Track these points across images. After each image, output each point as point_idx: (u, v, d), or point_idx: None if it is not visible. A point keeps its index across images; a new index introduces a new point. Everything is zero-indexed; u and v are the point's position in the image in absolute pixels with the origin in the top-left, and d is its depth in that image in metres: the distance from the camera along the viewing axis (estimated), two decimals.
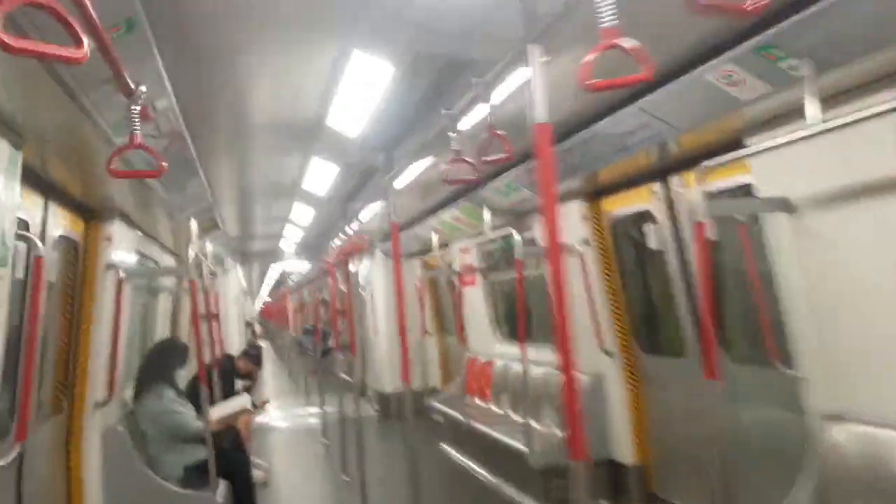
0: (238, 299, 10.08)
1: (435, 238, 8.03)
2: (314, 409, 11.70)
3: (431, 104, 4.49)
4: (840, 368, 2.90)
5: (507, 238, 6.72)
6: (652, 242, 4.57)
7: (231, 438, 5.26)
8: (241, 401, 5.95)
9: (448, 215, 6.86)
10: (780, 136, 2.73)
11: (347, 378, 14.19)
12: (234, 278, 10.19)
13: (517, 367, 6.91)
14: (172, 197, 4.98)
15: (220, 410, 5.28)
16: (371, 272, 11.18)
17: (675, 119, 3.24)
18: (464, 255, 7.83)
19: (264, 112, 4.76)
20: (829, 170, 2.73)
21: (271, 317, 28.76)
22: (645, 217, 4.68)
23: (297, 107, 4.49)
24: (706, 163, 2.96)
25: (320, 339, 20.57)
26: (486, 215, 6.14)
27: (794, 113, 2.84)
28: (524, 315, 5.19)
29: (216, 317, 10.36)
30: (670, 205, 4.29)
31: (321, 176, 6.79)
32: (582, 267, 5.12)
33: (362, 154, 5.26)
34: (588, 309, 5.14)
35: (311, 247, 9.96)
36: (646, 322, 5.05)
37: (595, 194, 5.10)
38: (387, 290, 10.66)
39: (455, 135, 3.26)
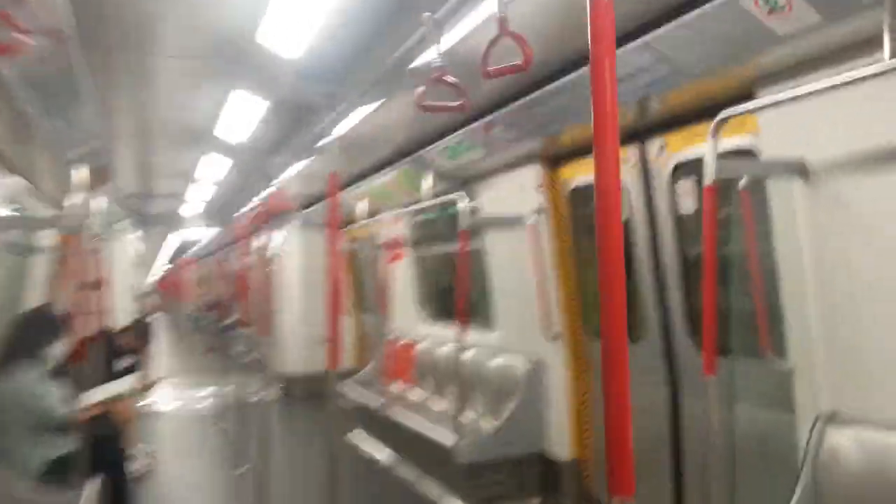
0: (131, 267, 9.00)
1: (361, 207, 7.35)
2: (211, 391, 10.75)
3: (384, 36, 3.87)
4: (854, 364, 2.49)
5: (446, 208, 6.16)
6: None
7: (107, 426, 4.45)
8: (122, 383, 5.13)
9: (381, 180, 6.21)
10: (811, 83, 2.26)
11: (254, 357, 13.30)
12: (129, 243, 9.11)
13: (443, 350, 6.37)
14: (55, 128, 4.11)
15: (95, 394, 4.44)
16: (286, 242, 10.34)
17: (687, 60, 2.74)
18: (394, 226, 7.20)
19: (179, 22, 3.97)
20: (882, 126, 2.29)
21: (167, 289, 27.01)
22: None
23: (221, 16, 3.74)
24: (726, 112, 2.48)
25: (223, 313, 19.40)
26: (427, 180, 5.54)
27: (833, 55, 2.40)
28: (465, 292, 4.64)
29: (101, 285, 9.22)
30: (643, 172, 3.84)
31: (243, 115, 5.93)
32: (533, 241, 4.62)
33: (298, 86, 4.55)
34: (536, 288, 4.65)
35: (223, 209, 9.07)
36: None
37: (554, 160, 4.60)
38: (301, 264, 9.87)
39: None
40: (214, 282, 25.40)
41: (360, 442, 6.90)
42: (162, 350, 17.93)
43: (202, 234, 14.55)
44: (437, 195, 5.53)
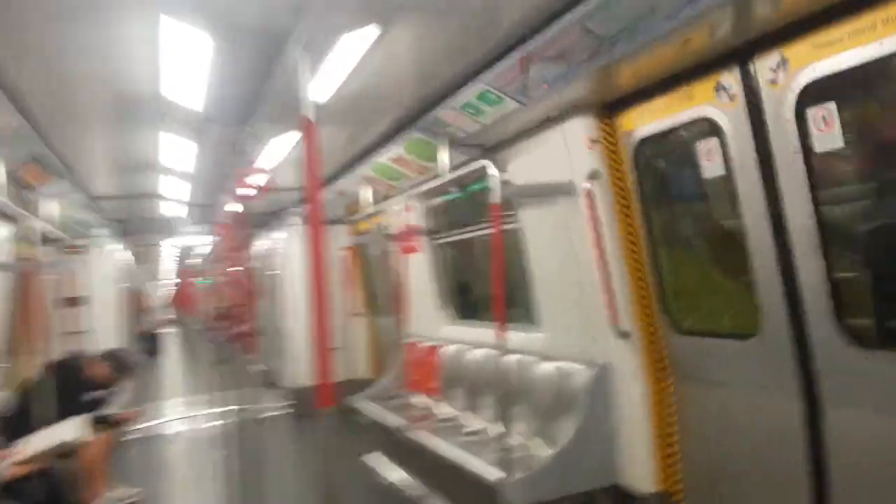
0: (113, 282, 8.01)
1: (367, 194, 6.32)
2: (218, 409, 9.75)
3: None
4: None
5: (467, 185, 5.11)
6: (713, 169, 3.04)
7: (49, 484, 3.46)
8: (68, 428, 4.13)
9: (387, 156, 5.15)
10: None
11: (263, 369, 12.30)
12: (108, 254, 8.12)
13: (474, 356, 5.33)
14: None
15: (35, 443, 3.45)
16: (286, 243, 9.31)
17: None
18: (406, 213, 6.15)
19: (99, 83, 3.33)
20: None
21: (177, 301, 26.19)
22: (697, 131, 3.15)
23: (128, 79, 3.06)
24: None
25: (232, 324, 18.48)
26: (443, 152, 4.49)
27: None
28: (501, 283, 3.60)
29: (75, 303, 8.33)
30: (753, 104, 2.76)
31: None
32: (589, 213, 3.56)
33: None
34: (597, 273, 3.60)
35: (206, 210, 8.10)
36: (685, 290, 3.53)
37: (610, 106, 3.54)
38: (303, 265, 8.84)
39: None
40: (222, 291, 24.61)
41: (379, 466, 5.88)
42: (172, 365, 17.08)
43: (200, 240, 13.54)
44: (456, 170, 4.49)
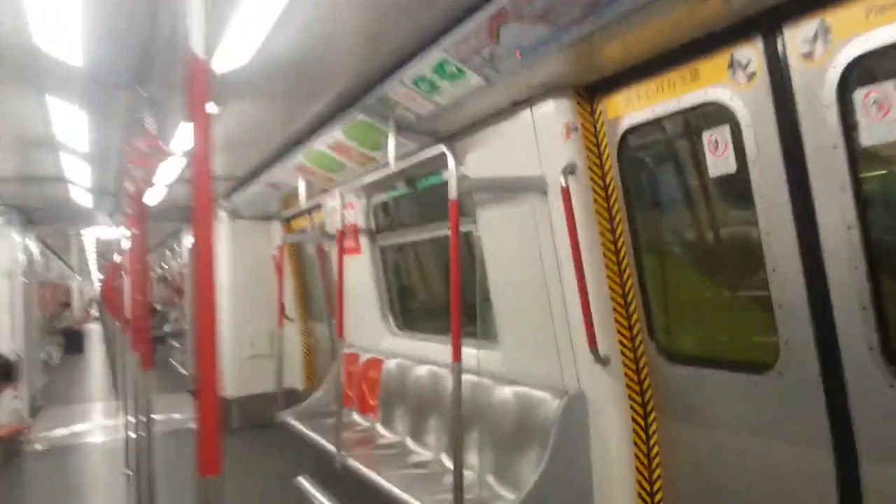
0: (14, 273, 7.03)
1: (302, 187, 5.61)
2: (133, 419, 8.82)
3: None
4: None
5: (416, 181, 4.48)
6: (721, 165, 2.50)
7: None
8: None
9: (324, 142, 4.47)
10: None
11: (185, 374, 11.32)
12: (5, 244, 7.14)
13: (419, 373, 4.71)
14: None
15: None
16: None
17: None
18: (346, 210, 5.48)
19: None
20: None
21: (105, 297, 24.62)
22: (701, 119, 2.62)
23: None
24: None
25: (154, 321, 17.29)
26: (391, 138, 3.85)
27: None
28: (457, 292, 3.00)
29: None
30: (779, 85, 2.23)
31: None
32: (565, 215, 2.98)
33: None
34: (571, 286, 3.03)
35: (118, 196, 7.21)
36: (678, 309, 2.99)
37: (592, 88, 2.99)
38: (230, 265, 8.05)
39: None
40: (150, 287, 23.16)
41: (311, 491, 5.19)
42: (93, 365, 15.75)
43: (119, 233, 12.44)
44: (405, 160, 3.86)
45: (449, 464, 4.00)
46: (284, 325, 6.45)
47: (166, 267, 16.26)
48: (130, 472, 6.25)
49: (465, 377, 4.05)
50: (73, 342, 18.29)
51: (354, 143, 4.16)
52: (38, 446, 7.50)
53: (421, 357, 4.77)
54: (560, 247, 3.11)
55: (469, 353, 4.24)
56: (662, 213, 3.04)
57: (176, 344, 14.39)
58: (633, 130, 2.89)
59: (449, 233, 2.96)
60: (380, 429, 5.00)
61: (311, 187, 5.50)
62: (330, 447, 4.67)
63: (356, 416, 5.44)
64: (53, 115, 3.90)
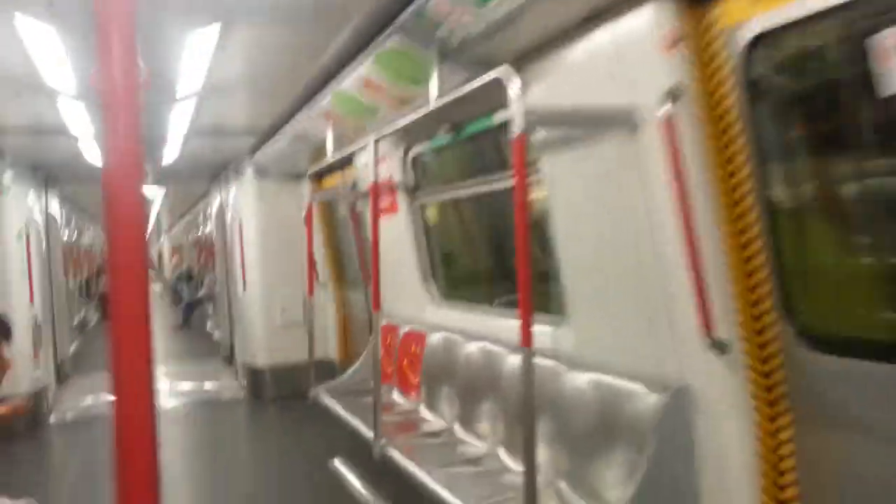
0: (17, 239, 6.55)
1: (330, 139, 4.94)
2: (163, 387, 8.45)
3: None
4: None
5: (462, 127, 3.76)
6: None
7: None
8: None
9: (352, 81, 3.76)
10: None
11: (219, 340, 10.92)
12: (14, 205, 6.65)
13: (468, 349, 4.08)
14: None
15: None
16: (239, 199, 7.91)
17: None
18: (380, 165, 4.81)
19: None
20: None
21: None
22: (872, 14, 1.85)
23: None
24: None
25: (190, 286, 17.01)
26: (433, 69, 3.13)
27: None
28: (526, 255, 2.33)
29: None
30: None
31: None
32: (668, 157, 2.26)
33: None
34: (677, 250, 2.32)
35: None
36: (827, 282, 2.26)
37: None
38: (259, 226, 7.48)
39: None
40: (187, 251, 22.90)
41: (347, 478, 4.66)
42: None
43: (154, 193, 12.01)
44: (450, 89, 3.14)
45: (508, 461, 3.39)
46: (316, 291, 5.88)
47: (201, 231, 15.87)
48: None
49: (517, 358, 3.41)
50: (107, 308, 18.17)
51: (389, 78, 3.45)
52: (62, 417, 7.15)
53: (468, 331, 4.13)
54: (656, 198, 2.40)
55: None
56: (804, 153, 2.29)
57: (209, 308, 14.07)
58: (762, 40, 2.13)
59: (505, 184, 2.28)
60: (423, 412, 4.40)
61: (340, 139, 4.82)
62: (368, 433, 4.09)
63: (396, 395, 4.85)
64: (29, 43, 3.26)
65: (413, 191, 4.78)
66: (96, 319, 15.96)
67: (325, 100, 4.18)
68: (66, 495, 5.10)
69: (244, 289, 7.78)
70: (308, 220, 5.61)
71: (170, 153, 6.72)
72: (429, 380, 4.46)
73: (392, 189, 4.87)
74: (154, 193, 12.02)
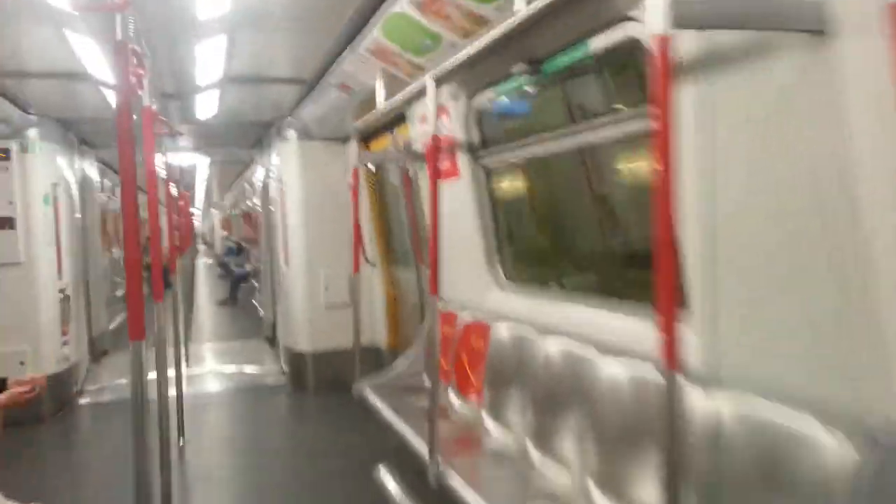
0: (42, 202, 5.99)
1: (380, 86, 4.12)
2: (200, 369, 7.89)
3: None
4: None
5: (550, 56, 2.88)
6: None
7: None
8: None
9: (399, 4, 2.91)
10: None
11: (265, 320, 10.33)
12: (40, 164, 6.08)
13: (546, 346, 3.23)
14: None
15: None
16: (280, 165, 7.20)
17: None
18: (438, 118, 3.98)
19: None
20: None
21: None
22: None
23: None
24: None
25: (239, 260, 16.59)
26: None
27: None
28: (668, 218, 1.45)
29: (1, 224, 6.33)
30: None
31: None
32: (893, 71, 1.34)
33: None
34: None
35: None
36: None
37: None
38: (302, 192, 6.76)
39: None
40: (236, 224, 22.57)
41: (394, 493, 3.91)
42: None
43: (195, 159, 11.40)
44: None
45: (602, 502, 2.54)
46: (363, 269, 5.12)
47: (248, 202, 15.36)
48: (182, 441, 5.20)
49: (631, 367, 2.56)
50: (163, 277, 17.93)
51: None
52: (94, 397, 6.63)
53: (545, 324, 3.28)
54: (859, 144, 1.50)
55: (619, 323, 2.75)
56: None
57: (255, 283, 13.57)
58: None
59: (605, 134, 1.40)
60: (486, 421, 3.58)
61: (391, 85, 4.00)
62: (421, 446, 3.32)
63: (453, 396, 4.06)
64: None
65: (477, 150, 3.93)
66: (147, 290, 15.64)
67: (374, 30, 3.34)
68: (79, 496, 4.51)
69: (286, 264, 7.09)
70: (354, 187, 4.83)
71: (205, 106, 6.01)
72: (493, 381, 3.64)
73: (452, 149, 4.03)
74: (197, 162, 11.44)
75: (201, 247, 32.14)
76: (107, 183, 11.17)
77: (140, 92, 3.67)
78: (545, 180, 3.89)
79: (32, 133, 5.97)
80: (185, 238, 18.57)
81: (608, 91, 2.93)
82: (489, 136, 3.93)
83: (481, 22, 2.68)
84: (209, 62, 4.48)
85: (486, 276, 3.99)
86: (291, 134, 6.61)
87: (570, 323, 3.11)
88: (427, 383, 4.45)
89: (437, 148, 3.14)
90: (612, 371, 2.63)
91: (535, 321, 3.42)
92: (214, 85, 5.13)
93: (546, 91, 3.25)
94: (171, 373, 4.55)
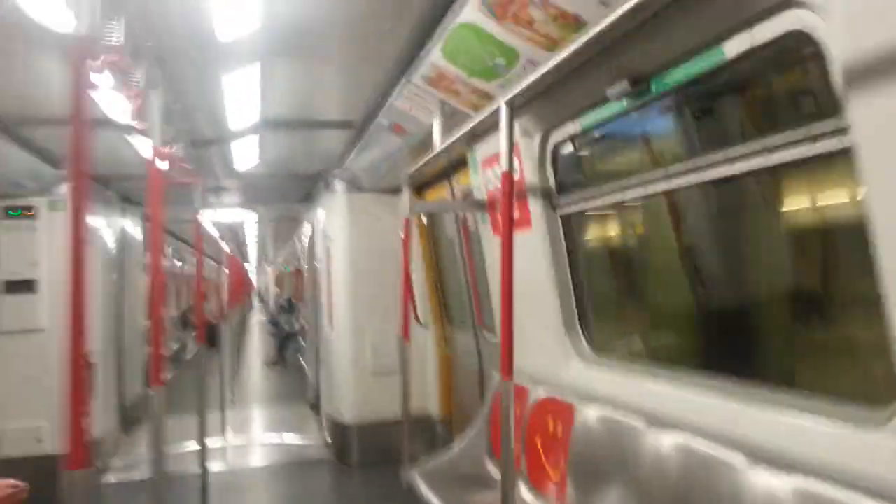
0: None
1: (437, 125, 3.58)
2: (238, 439, 7.29)
3: None
4: None
5: (660, 71, 2.27)
6: None
7: None
8: None
9: (479, 5, 2.36)
10: None
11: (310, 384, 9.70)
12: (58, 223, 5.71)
13: (657, 441, 2.51)
14: None
15: None
16: (326, 218, 6.72)
17: None
18: (501, 161, 3.41)
19: None
20: None
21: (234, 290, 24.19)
22: None
23: None
24: None
25: (290, 318, 16.11)
26: None
27: None
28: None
29: (21, 287, 5.90)
30: None
31: None
32: None
33: None
34: None
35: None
36: None
37: None
38: (349, 247, 6.23)
39: None
40: (287, 281, 22.27)
41: None
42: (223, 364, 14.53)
43: (242, 216, 11.03)
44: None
45: None
46: (413, 331, 4.46)
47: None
48: None
49: (791, 480, 1.85)
50: (210, 337, 17.60)
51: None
52: (115, 477, 6.06)
53: (648, 410, 2.58)
54: None
55: (782, 420, 2.04)
56: None
57: (303, 343, 13.04)
58: None
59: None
60: None
61: (450, 122, 3.46)
62: None
63: (525, 491, 3.34)
64: None
65: (553, 196, 3.32)
66: (194, 349, 15.15)
67: (434, 51, 2.80)
68: None
69: (330, 325, 6.52)
70: (406, 240, 4.25)
71: (244, 155, 5.59)
72: (580, 478, 2.92)
73: (522, 195, 3.43)
74: (243, 217, 11.09)
75: (257, 304, 31.98)
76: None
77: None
78: (653, 226, 3.22)
79: (63, 190, 5.62)
80: (235, 295, 18.25)
81: (751, 109, 2.29)
82: (566, 180, 3.32)
83: (574, 26, 2.10)
84: (242, 101, 4.02)
85: (565, 344, 3.32)
86: (339, 185, 6.14)
87: (686, 410, 2.41)
88: (492, 471, 3.75)
89: (511, 189, 2.53)
90: (767, 483, 1.90)
91: (628, 403, 2.72)
92: (251, 130, 4.68)
93: (653, 118, 2.63)
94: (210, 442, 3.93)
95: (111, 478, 5.98)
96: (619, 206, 3.18)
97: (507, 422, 2.47)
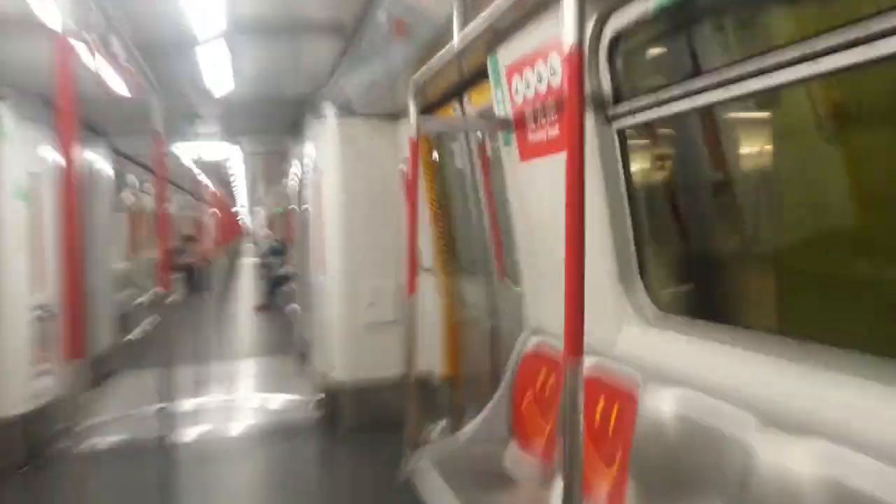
0: (16, 197, 4.75)
1: (456, 16, 2.71)
2: (214, 397, 6.56)
3: None
4: None
5: None
6: None
7: None
8: None
9: None
10: None
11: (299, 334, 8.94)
12: (25, 154, 4.85)
13: (766, 442, 1.72)
14: None
15: None
16: (316, 148, 5.86)
17: None
18: (540, 60, 2.54)
19: None
20: None
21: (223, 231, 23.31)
22: None
23: None
24: None
25: (280, 261, 15.36)
26: None
27: None
28: None
29: None
30: None
31: None
32: None
33: None
34: None
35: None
36: None
37: None
38: (341, 181, 5.40)
39: None
40: (278, 222, 21.38)
41: None
42: (199, 311, 13.78)
43: (226, 152, 10.13)
44: None
45: None
46: (418, 279, 3.69)
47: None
48: None
49: None
50: (196, 281, 16.87)
51: None
52: (75, 442, 5.31)
53: (759, 401, 1.82)
54: None
55: None
56: None
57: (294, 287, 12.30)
58: None
59: None
60: None
61: (471, 14, 2.59)
62: None
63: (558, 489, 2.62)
64: None
65: (607, 105, 2.48)
66: (183, 293, 14.28)
67: None
68: None
69: (322, 272, 5.75)
70: (413, 169, 3.42)
71: (213, 72, 4.69)
72: (646, 480, 2.19)
73: (561, 105, 2.60)
74: (227, 153, 10.20)
75: (252, 246, 31.01)
76: (132, 178, 10.03)
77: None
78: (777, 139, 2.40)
79: (4, 111, 4.73)
80: (223, 237, 17.33)
81: None
82: (627, 81, 2.49)
83: None
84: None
85: (622, 303, 2.54)
86: (328, 109, 5.26)
87: (821, 405, 1.65)
88: (516, 461, 3.03)
89: (581, 80, 1.71)
90: None
91: (717, 386, 1.97)
92: (219, 35, 3.79)
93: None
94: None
95: (70, 443, 5.24)
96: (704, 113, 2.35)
97: (573, 414, 1.70)
